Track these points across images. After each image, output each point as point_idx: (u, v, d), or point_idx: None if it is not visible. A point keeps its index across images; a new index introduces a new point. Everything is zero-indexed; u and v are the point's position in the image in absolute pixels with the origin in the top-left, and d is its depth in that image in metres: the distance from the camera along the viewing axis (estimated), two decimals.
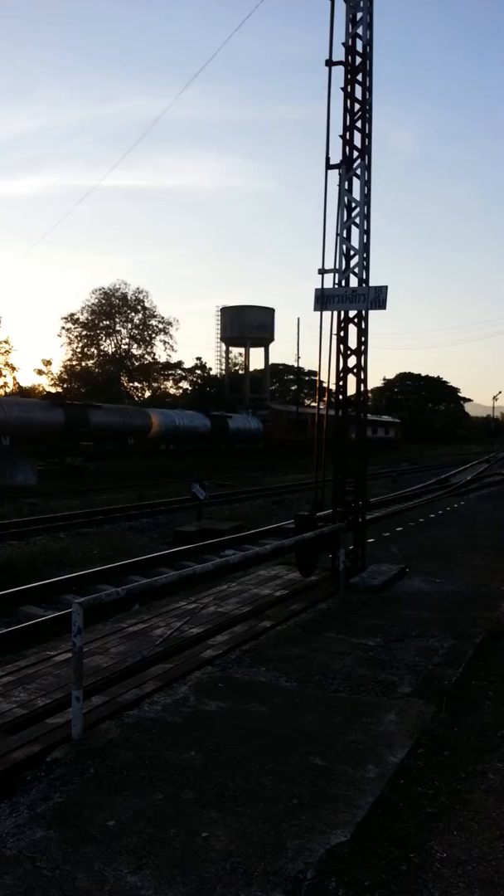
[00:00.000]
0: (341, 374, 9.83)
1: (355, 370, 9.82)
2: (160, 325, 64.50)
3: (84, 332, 63.16)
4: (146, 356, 65.19)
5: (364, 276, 9.60)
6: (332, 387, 10.03)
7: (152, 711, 5.24)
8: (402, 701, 5.56)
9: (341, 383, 9.86)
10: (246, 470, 36.66)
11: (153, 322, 64.29)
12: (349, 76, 9.54)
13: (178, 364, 71.16)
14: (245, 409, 47.83)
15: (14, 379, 54.76)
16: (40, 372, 62.02)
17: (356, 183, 9.65)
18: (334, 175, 9.61)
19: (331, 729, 5.01)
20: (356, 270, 9.64)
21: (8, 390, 48.84)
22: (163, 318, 64.70)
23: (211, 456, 39.83)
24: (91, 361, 63.40)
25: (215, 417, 43.01)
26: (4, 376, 53.23)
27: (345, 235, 9.66)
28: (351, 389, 9.94)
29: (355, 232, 9.66)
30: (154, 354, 65.59)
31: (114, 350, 63.69)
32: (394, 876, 3.39)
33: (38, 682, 5.71)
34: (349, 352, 9.79)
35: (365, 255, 9.65)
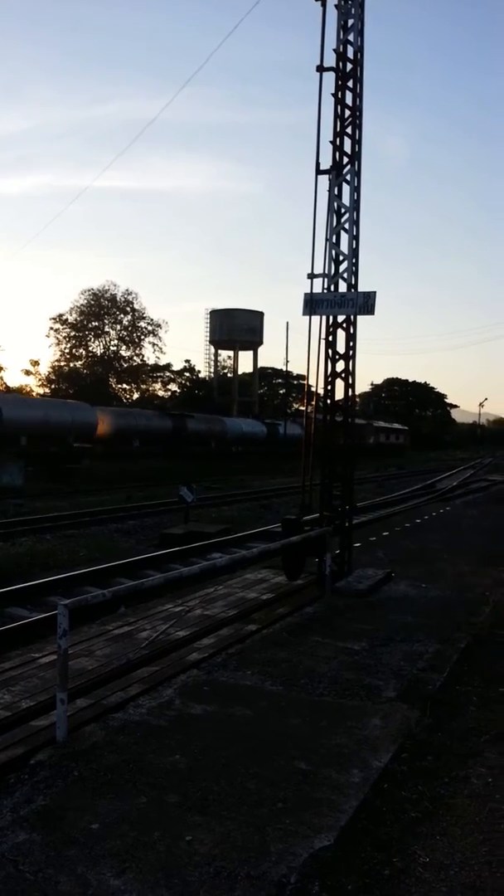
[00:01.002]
0: (329, 379, 9.86)
1: (343, 375, 9.86)
2: (149, 327, 64.40)
3: (73, 333, 62.93)
4: (135, 358, 65.07)
5: (353, 282, 9.64)
6: (321, 391, 10.06)
7: (137, 714, 5.23)
8: (387, 705, 5.57)
9: (329, 387, 9.90)
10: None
11: (142, 324, 64.17)
12: (340, 82, 9.59)
13: (167, 366, 71.04)
14: (287, 417, 53.88)
15: (1, 379, 54.48)
16: (28, 372, 61.74)
17: (346, 188, 9.70)
18: (324, 180, 9.66)
19: (316, 733, 5.02)
20: (345, 275, 9.68)
21: None
22: (152, 320, 64.61)
23: (267, 456, 46.87)
24: (79, 362, 63.17)
25: (269, 425, 51.38)
26: None
27: (334, 240, 9.70)
28: (339, 394, 9.98)
29: (344, 237, 9.71)
30: (143, 356, 65.48)
31: (102, 351, 63.51)
32: (377, 880, 3.40)
33: (22, 685, 5.68)
34: (337, 356, 9.83)
35: (354, 261, 9.69)
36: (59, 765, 4.42)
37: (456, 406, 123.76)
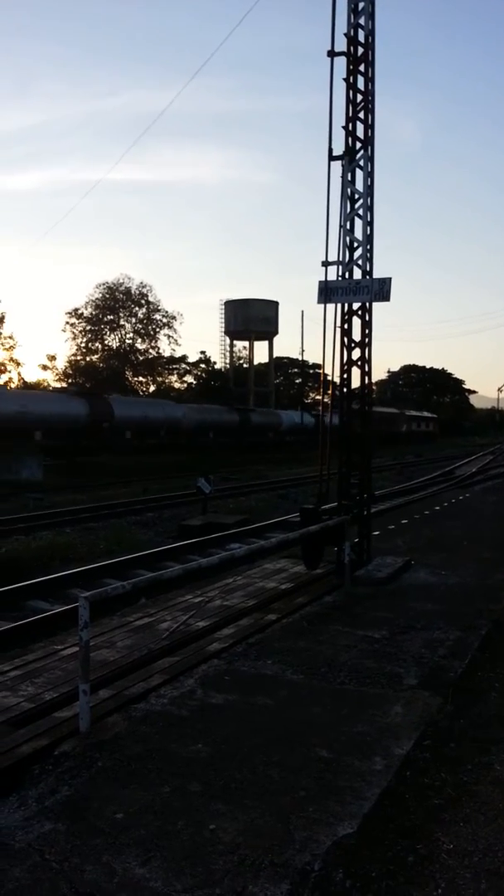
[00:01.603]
0: (345, 367, 9.81)
1: (359, 363, 9.80)
2: (164, 320, 64.34)
3: (88, 327, 63.09)
4: (150, 350, 65.10)
5: (367, 268, 9.57)
6: (337, 379, 10.02)
7: (159, 704, 5.26)
8: (408, 693, 5.56)
9: (345, 376, 9.85)
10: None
11: (157, 316, 64.12)
12: (351, 67, 9.48)
13: (183, 358, 71.04)
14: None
15: (19, 374, 54.76)
16: (45, 367, 62.09)
17: (359, 174, 9.61)
18: (337, 166, 9.58)
19: (337, 721, 5.03)
20: (360, 262, 9.60)
21: (13, 386, 48.80)
22: (167, 312, 64.54)
23: (316, 445, 49.10)
24: (95, 356, 63.36)
25: (315, 416, 53.76)
26: (9, 371, 53.22)
27: (348, 227, 9.63)
28: (355, 382, 9.93)
29: (358, 223, 9.63)
30: (158, 349, 65.47)
31: (118, 345, 63.60)
32: (401, 867, 3.40)
33: (45, 676, 5.73)
34: (353, 344, 9.77)
35: (368, 247, 9.61)
36: (83, 755, 4.46)
37: (474, 392, 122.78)
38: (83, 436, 34.40)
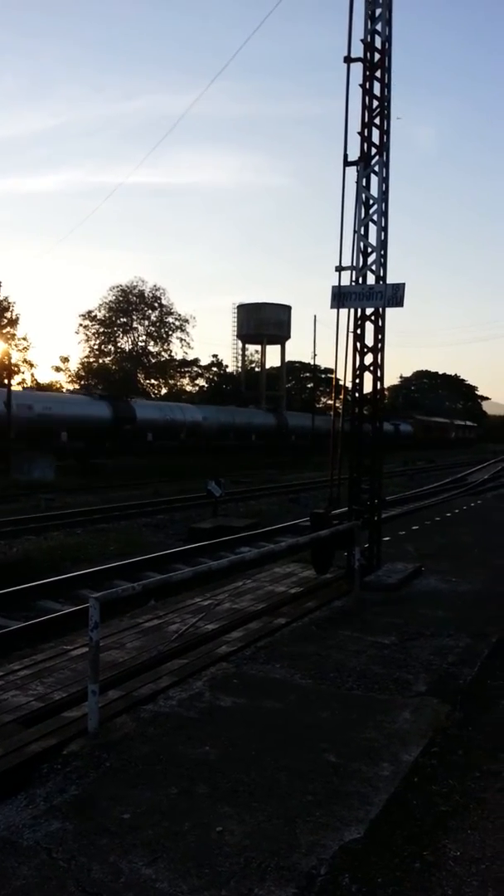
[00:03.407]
0: (358, 372, 9.81)
1: (372, 368, 9.80)
2: (177, 323, 64.50)
3: (101, 330, 63.36)
4: (163, 353, 65.25)
5: (381, 274, 9.57)
6: (349, 384, 10.01)
7: (167, 706, 5.28)
8: (417, 699, 5.55)
9: (358, 381, 9.84)
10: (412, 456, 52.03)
11: (170, 319, 64.28)
12: (368, 73, 9.50)
13: (195, 361, 71.17)
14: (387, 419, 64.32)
15: (32, 375, 55.02)
16: (58, 369, 62.37)
17: (374, 180, 9.61)
18: (352, 172, 9.58)
19: (345, 726, 5.02)
20: (373, 268, 9.60)
21: (26, 386, 49.04)
22: (179, 315, 64.72)
23: (387, 448, 53.61)
24: (108, 358, 63.60)
25: (393, 424, 62.67)
26: (23, 373, 53.50)
27: (362, 232, 9.63)
28: (367, 387, 9.92)
29: (373, 229, 9.63)
30: (171, 352, 65.60)
31: (131, 347, 63.83)
32: (407, 873, 3.39)
33: (54, 676, 5.76)
34: (366, 349, 9.77)
35: (382, 253, 9.61)
36: (91, 755, 4.48)
37: (487, 398, 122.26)
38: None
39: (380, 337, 9.74)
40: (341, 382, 10.15)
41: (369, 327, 9.72)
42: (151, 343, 64.53)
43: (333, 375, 10.72)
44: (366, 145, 9.56)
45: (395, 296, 9.41)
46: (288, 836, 3.65)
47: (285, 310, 65.43)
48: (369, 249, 9.64)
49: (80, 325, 63.12)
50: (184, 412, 42.37)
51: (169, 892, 3.19)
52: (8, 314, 42.94)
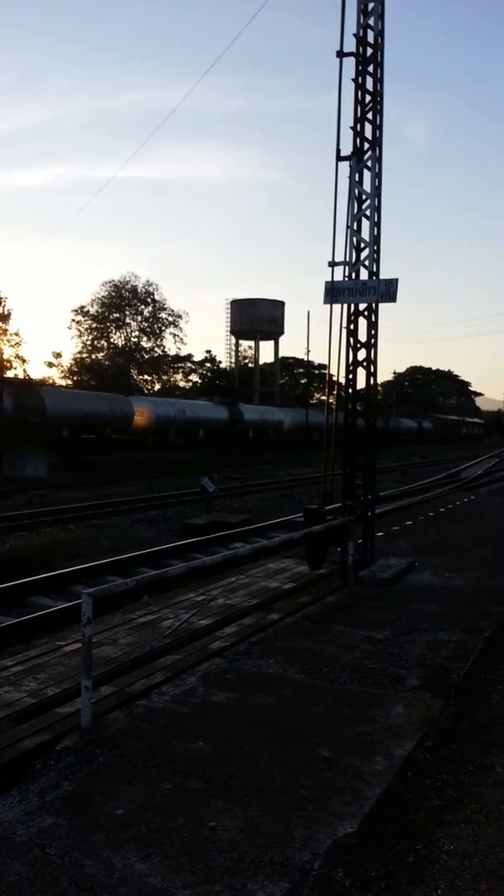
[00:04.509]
0: (351, 368, 9.80)
1: (365, 363, 9.80)
2: (170, 318, 64.49)
3: (94, 325, 63.23)
4: (156, 349, 65.21)
5: (374, 269, 9.56)
6: (342, 380, 10.01)
7: (161, 702, 5.27)
8: (410, 694, 5.56)
9: (351, 377, 9.84)
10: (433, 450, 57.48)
11: (163, 315, 64.28)
12: (360, 67, 9.48)
13: (188, 357, 71.14)
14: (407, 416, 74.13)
15: (24, 371, 54.85)
16: (50, 364, 62.16)
17: (367, 175, 9.60)
18: (345, 167, 9.56)
19: (339, 721, 5.03)
20: (366, 263, 9.60)
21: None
22: (172, 310, 64.68)
23: (411, 443, 60.11)
24: (101, 354, 63.47)
25: (417, 422, 72.81)
26: (15, 368, 53.32)
27: (355, 228, 9.62)
28: (360, 383, 9.91)
29: (365, 224, 9.62)
30: (164, 347, 65.61)
31: (123, 343, 63.73)
32: (401, 867, 3.40)
33: (47, 672, 5.74)
34: (359, 345, 9.76)
35: (375, 248, 9.61)
36: (85, 751, 4.47)
37: (480, 394, 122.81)
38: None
39: (373, 332, 9.74)
40: (335, 378, 10.15)
41: (362, 323, 9.72)
42: (144, 338, 64.52)
43: (327, 371, 10.71)
44: (358, 140, 9.54)
45: (388, 291, 9.41)
46: (281, 830, 3.65)
47: (278, 305, 65.50)
48: (362, 245, 9.64)
49: (73, 320, 63.07)
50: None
51: (162, 887, 3.19)
52: (0, 309, 42.81)
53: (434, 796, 4.09)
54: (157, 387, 65.29)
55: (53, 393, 34.41)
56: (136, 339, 64.15)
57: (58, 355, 62.25)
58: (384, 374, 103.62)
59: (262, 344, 67.55)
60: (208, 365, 72.37)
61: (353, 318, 9.70)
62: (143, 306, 63.74)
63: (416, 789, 4.15)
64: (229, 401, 47.67)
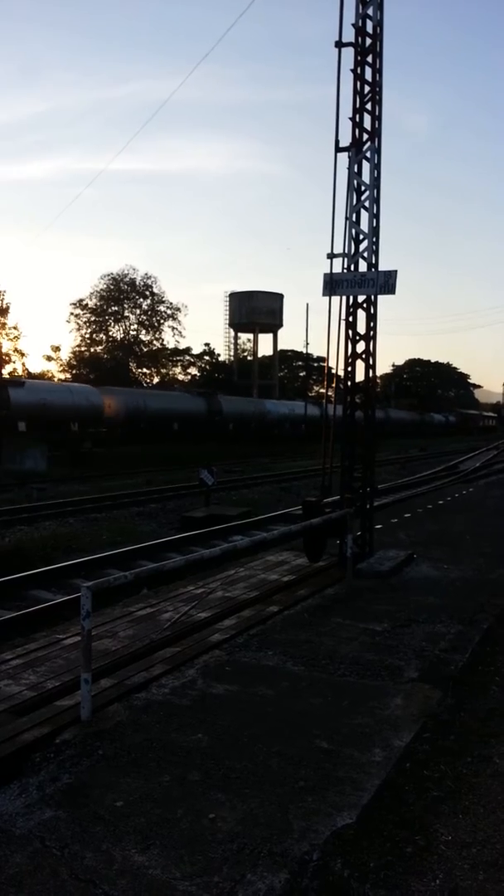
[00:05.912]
0: (350, 360, 9.79)
1: (364, 356, 9.78)
2: (168, 311, 64.39)
3: (93, 318, 63.13)
4: (155, 342, 65.13)
5: (373, 261, 9.54)
6: (341, 373, 10.00)
7: (160, 694, 5.28)
8: (409, 686, 5.57)
9: (350, 369, 9.83)
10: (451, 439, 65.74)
11: (161, 308, 64.16)
12: (359, 57, 9.43)
13: (187, 350, 71.11)
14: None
15: (23, 365, 54.82)
16: (49, 358, 62.19)
17: (366, 166, 9.56)
18: (343, 158, 9.52)
19: (337, 712, 5.04)
20: (365, 255, 9.57)
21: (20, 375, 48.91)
22: (171, 303, 64.56)
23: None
24: (100, 347, 63.40)
25: (444, 415, 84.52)
26: (14, 362, 53.28)
27: (354, 219, 9.59)
28: (360, 375, 9.90)
29: (364, 216, 9.59)
30: (162, 340, 65.53)
31: (122, 336, 63.64)
32: (399, 857, 3.41)
33: (47, 665, 5.76)
34: (358, 337, 9.75)
35: (374, 240, 9.58)
36: (84, 743, 4.48)
37: (479, 386, 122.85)
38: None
39: (372, 325, 9.72)
40: (333, 371, 10.13)
41: (361, 315, 9.71)
42: (143, 332, 64.44)
43: (326, 364, 10.71)
44: (357, 131, 9.50)
45: (387, 283, 9.39)
46: (280, 822, 3.67)
47: (277, 298, 65.38)
48: (361, 236, 9.61)
49: (72, 313, 62.98)
50: (288, 408, 48.00)
51: (162, 878, 3.20)
52: None
53: (432, 787, 4.10)
54: (156, 380, 65.26)
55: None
56: (134, 333, 64.10)
57: (56, 349, 62.30)
58: (383, 367, 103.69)
59: (261, 337, 67.50)
60: (207, 358, 72.35)
61: (351, 310, 9.69)
62: (141, 299, 63.65)
63: (414, 780, 4.17)
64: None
